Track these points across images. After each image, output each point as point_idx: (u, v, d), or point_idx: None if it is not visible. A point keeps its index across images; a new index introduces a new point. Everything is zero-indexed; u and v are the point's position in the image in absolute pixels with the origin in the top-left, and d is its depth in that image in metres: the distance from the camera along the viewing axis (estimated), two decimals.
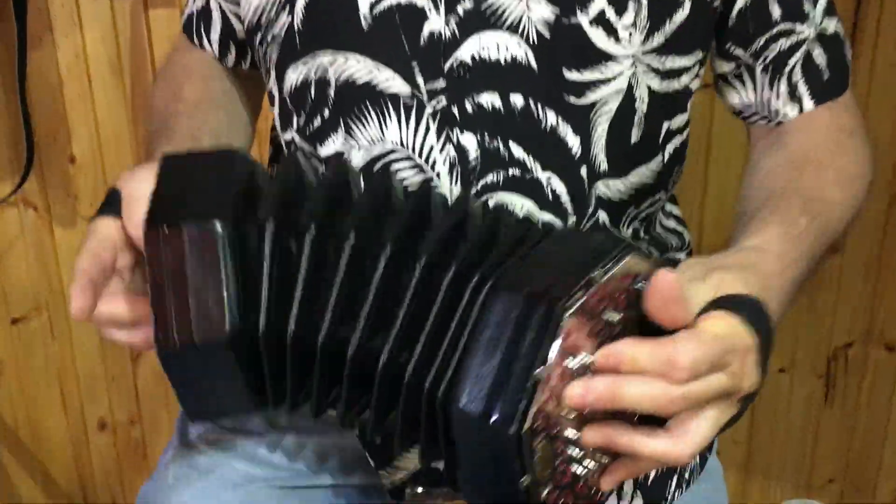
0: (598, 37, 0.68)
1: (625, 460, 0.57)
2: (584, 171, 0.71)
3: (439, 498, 0.85)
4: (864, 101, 1.29)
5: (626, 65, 0.69)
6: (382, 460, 0.78)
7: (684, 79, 0.73)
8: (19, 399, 1.42)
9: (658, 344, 0.52)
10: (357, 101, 0.70)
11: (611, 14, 0.67)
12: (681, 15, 0.69)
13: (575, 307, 0.51)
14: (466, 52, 0.68)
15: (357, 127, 0.71)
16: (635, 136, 0.72)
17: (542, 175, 0.70)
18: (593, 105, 0.69)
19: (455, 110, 0.69)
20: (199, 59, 0.86)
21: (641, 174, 0.74)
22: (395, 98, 0.69)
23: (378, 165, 0.71)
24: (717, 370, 0.53)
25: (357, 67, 0.70)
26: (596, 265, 0.54)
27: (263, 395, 0.62)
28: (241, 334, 0.59)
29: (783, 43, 0.74)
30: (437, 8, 0.68)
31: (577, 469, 0.56)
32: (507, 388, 0.52)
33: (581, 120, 0.69)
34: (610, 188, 0.72)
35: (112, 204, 0.65)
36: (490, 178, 0.70)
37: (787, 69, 0.75)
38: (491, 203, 0.70)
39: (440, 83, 0.69)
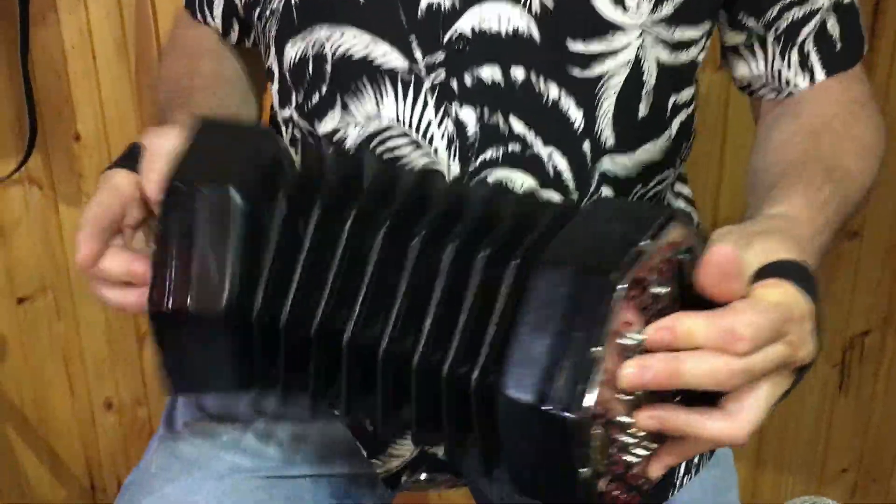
0: (604, 6, 0.66)
1: (673, 444, 0.53)
2: (587, 146, 0.68)
3: (442, 485, 0.83)
4: (886, 83, 1.26)
5: (633, 35, 0.67)
6: (374, 448, 0.76)
7: (693, 51, 0.71)
8: (25, 379, 1.41)
9: (714, 315, 0.49)
10: (354, 76, 0.69)
11: None
12: None
13: (628, 281, 0.48)
14: (466, 23, 0.66)
15: (353, 103, 0.69)
16: (643, 110, 0.70)
17: (544, 150, 0.68)
18: (599, 78, 0.67)
19: (454, 84, 0.67)
20: (208, 36, 0.84)
21: (649, 150, 0.72)
22: (392, 73, 0.67)
23: (375, 142, 0.69)
24: (775, 340, 0.50)
25: (354, 42, 0.68)
26: (642, 236, 0.49)
27: (252, 377, 0.60)
28: (237, 309, 0.58)
29: (797, 12, 0.72)
30: None
31: (629, 457, 0.51)
32: (562, 371, 0.47)
33: (586, 93, 0.67)
34: (616, 164, 0.70)
35: (130, 157, 0.63)
36: (489, 153, 0.68)
37: (800, 39, 0.72)
38: (490, 180, 0.68)
39: (439, 56, 0.67)
